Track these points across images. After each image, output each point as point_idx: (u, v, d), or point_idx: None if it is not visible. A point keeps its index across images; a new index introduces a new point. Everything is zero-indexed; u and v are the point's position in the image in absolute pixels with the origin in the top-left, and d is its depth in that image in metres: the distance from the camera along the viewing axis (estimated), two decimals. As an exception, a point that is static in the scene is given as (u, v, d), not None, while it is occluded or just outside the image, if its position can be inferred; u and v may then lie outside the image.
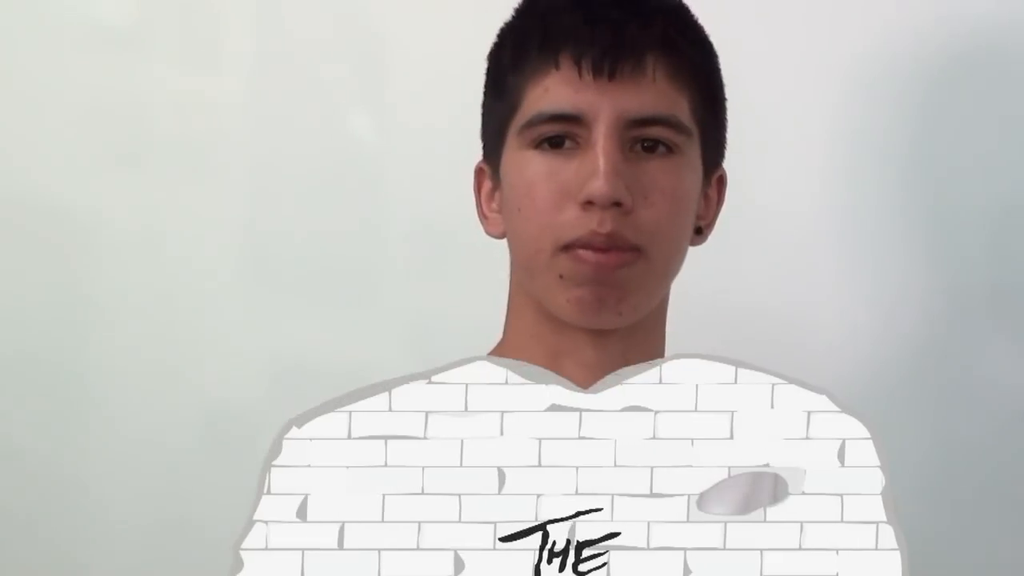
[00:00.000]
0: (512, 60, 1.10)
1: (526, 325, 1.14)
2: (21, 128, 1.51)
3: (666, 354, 1.14)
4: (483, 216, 1.16)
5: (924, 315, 1.44)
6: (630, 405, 1.07)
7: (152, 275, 1.50)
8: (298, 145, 1.49)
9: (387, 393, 1.09)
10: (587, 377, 1.09)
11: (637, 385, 1.08)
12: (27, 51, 1.50)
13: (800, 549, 1.06)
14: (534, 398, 1.08)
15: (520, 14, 1.13)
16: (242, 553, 1.07)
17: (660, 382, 1.08)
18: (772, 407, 1.07)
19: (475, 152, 1.16)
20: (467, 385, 1.09)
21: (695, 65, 1.10)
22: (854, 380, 1.17)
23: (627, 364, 1.09)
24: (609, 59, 1.04)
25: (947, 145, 1.44)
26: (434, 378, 1.09)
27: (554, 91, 1.06)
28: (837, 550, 1.06)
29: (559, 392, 1.08)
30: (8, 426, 1.52)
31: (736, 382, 1.08)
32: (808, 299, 1.44)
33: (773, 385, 1.08)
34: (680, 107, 1.08)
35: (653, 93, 1.06)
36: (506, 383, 1.09)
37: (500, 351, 1.16)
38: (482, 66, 1.14)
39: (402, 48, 1.49)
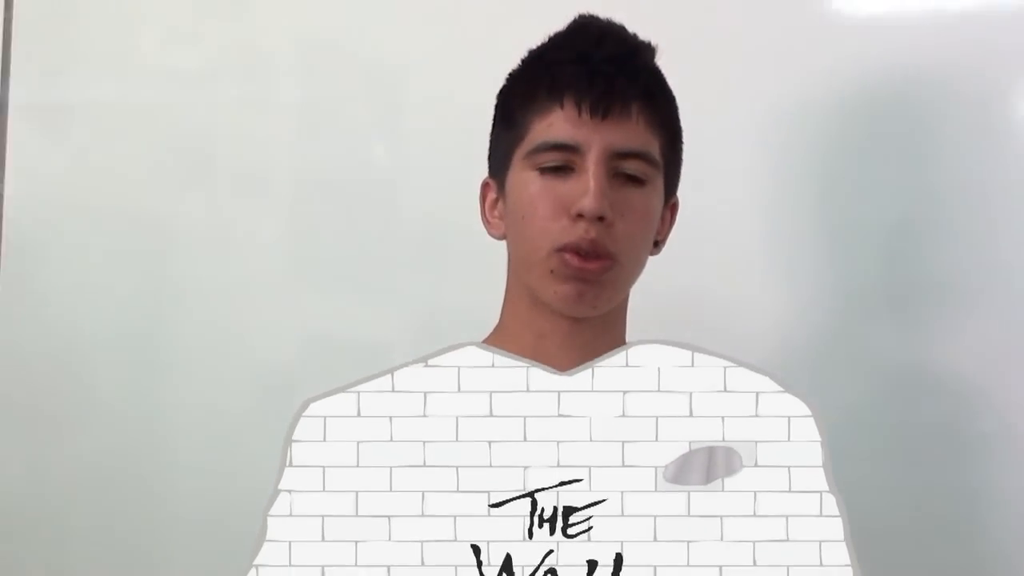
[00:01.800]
0: (522, 99, 1.25)
1: (519, 313, 1.26)
2: (120, 155, 1.77)
3: (626, 336, 1.25)
4: (486, 221, 1.30)
5: (830, 309, 1.59)
6: (601, 386, 1.18)
7: (217, 270, 1.74)
8: (332, 167, 1.73)
9: (390, 375, 1.19)
10: (565, 354, 1.21)
11: (606, 368, 1.19)
12: (120, 93, 1.78)
13: (755, 516, 1.15)
14: (518, 380, 1.19)
15: (528, 64, 1.28)
16: (270, 519, 1.17)
17: (626, 365, 1.19)
18: (725, 388, 1.18)
19: (472, 173, 1.31)
20: (459, 368, 1.19)
21: (666, 114, 1.25)
22: (773, 361, 1.29)
23: (596, 344, 1.21)
24: (604, 103, 1.20)
25: (849, 174, 1.60)
26: (430, 361, 1.20)
27: (557, 125, 1.21)
28: (787, 516, 1.15)
29: (539, 375, 1.19)
30: (106, 388, 1.75)
31: (693, 365, 1.18)
32: (738, 296, 1.60)
33: (725, 368, 1.18)
34: (653, 146, 1.23)
35: (635, 133, 1.21)
36: (493, 367, 1.19)
37: (496, 333, 1.27)
38: (479, 109, 1.30)
39: (414, 92, 1.72)
